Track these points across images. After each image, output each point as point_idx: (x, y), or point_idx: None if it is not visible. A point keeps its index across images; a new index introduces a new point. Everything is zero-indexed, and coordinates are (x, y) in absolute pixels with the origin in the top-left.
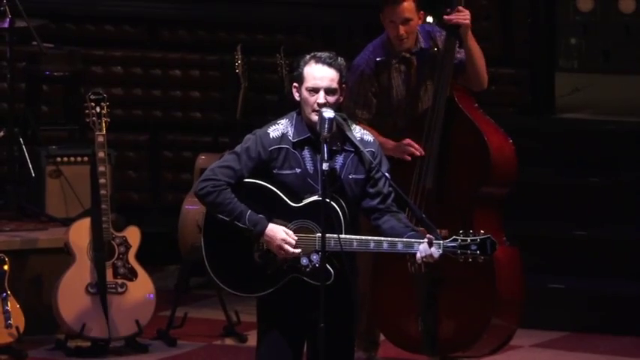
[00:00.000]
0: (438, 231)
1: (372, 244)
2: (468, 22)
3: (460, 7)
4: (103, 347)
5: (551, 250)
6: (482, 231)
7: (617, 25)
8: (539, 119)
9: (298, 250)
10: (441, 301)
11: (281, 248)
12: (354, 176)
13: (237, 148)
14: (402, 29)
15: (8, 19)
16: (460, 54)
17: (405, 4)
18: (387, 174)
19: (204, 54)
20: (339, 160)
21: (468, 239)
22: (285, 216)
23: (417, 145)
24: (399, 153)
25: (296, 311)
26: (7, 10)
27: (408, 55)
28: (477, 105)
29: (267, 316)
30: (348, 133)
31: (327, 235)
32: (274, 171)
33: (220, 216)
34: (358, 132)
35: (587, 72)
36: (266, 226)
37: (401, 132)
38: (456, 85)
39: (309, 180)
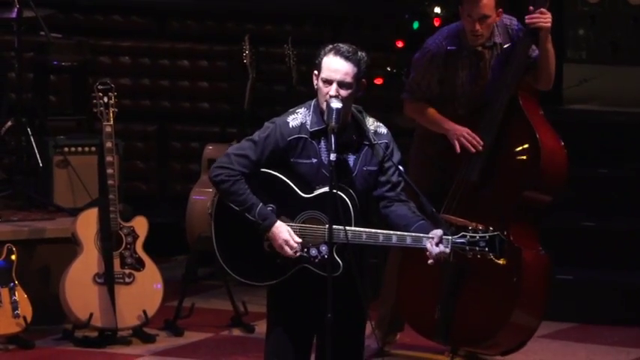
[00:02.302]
0: (474, 224)
1: (381, 238)
2: (549, 25)
3: (543, 10)
4: (110, 337)
5: (559, 241)
6: (490, 227)
7: (625, 16)
8: (546, 110)
9: (298, 254)
10: (463, 292)
11: (281, 248)
12: (368, 168)
13: (255, 136)
14: (477, 25)
15: (16, 9)
16: (535, 52)
17: (485, 0)
18: (400, 166)
19: (212, 44)
20: (354, 152)
21: (477, 236)
22: (295, 206)
23: (476, 138)
24: (452, 136)
25: (305, 301)
26: (15, 0)
27: (480, 48)
28: (541, 112)
29: (277, 306)
30: (363, 126)
31: (337, 227)
32: (292, 160)
33: (231, 204)
34: (372, 124)
35: (595, 63)
36: (274, 223)
37: (460, 120)
38: (523, 85)
39: (323, 170)
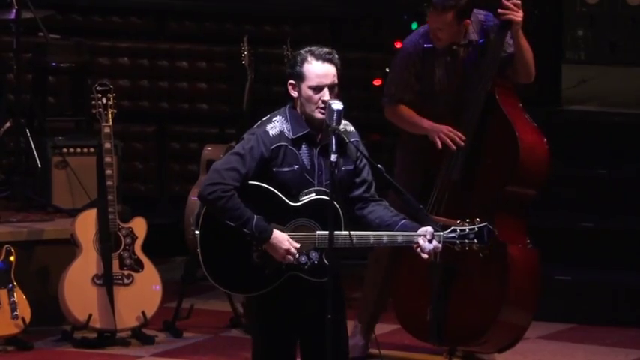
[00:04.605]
0: (459, 222)
1: (372, 239)
2: (520, 19)
3: (516, 2)
4: (109, 338)
5: (558, 242)
6: (477, 219)
7: (624, 16)
8: (545, 111)
9: (297, 256)
10: (452, 291)
11: (284, 257)
12: (346, 168)
13: (240, 149)
14: (435, 32)
15: (15, 10)
16: (510, 48)
17: (443, 16)
18: (379, 165)
19: (211, 45)
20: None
21: (467, 229)
22: (284, 215)
23: (457, 134)
24: (432, 134)
25: (290, 308)
26: (14, 1)
27: (455, 47)
28: (520, 105)
29: (263, 316)
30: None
31: (324, 232)
32: (274, 169)
33: (226, 221)
34: (341, 123)
35: (594, 63)
36: (271, 234)
37: (439, 118)
38: (499, 81)
39: (305, 175)
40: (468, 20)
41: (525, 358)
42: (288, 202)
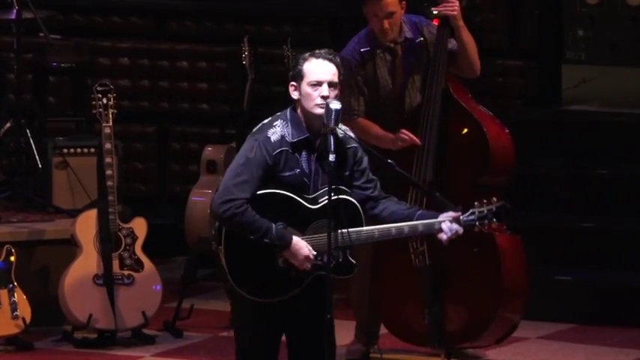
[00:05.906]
0: (476, 203)
1: (393, 231)
2: (455, 12)
3: None
4: (109, 338)
5: (558, 242)
6: (494, 198)
7: (625, 17)
8: (545, 111)
9: (314, 262)
10: (447, 292)
11: (303, 264)
12: (345, 173)
13: (242, 159)
14: (385, 23)
15: (15, 10)
16: (451, 43)
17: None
18: (390, 160)
19: (211, 45)
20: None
21: (485, 209)
22: (303, 219)
23: (411, 136)
24: (396, 146)
25: (279, 307)
26: (14, 1)
27: (392, 45)
28: (470, 95)
29: (245, 312)
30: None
31: (343, 229)
32: (278, 174)
33: (246, 235)
34: (341, 127)
35: (594, 64)
36: (291, 241)
37: (393, 124)
38: (449, 76)
39: (304, 179)
40: (405, 2)
41: (526, 358)
42: (307, 205)
